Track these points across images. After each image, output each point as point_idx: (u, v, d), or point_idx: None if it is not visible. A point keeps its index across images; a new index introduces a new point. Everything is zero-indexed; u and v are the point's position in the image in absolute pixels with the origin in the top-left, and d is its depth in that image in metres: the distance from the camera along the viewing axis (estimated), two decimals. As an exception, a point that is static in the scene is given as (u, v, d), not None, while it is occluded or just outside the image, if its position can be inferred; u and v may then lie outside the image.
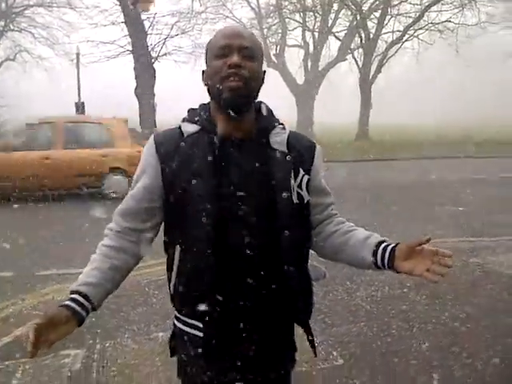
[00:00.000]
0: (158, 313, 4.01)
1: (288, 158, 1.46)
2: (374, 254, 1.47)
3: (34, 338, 1.22)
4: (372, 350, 3.40)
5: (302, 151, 1.51)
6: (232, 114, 1.41)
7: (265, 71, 1.50)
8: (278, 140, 1.47)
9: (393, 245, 1.47)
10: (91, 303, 1.38)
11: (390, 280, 4.74)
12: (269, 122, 1.50)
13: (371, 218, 7.39)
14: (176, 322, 1.56)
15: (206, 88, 1.48)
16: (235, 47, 1.39)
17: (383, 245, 1.48)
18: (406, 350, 3.39)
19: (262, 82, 1.48)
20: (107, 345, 3.50)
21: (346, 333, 3.66)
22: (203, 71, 1.50)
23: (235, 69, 1.37)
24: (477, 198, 9.34)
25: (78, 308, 1.34)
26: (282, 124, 1.52)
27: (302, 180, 1.48)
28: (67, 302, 1.35)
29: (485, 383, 2.99)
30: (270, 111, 1.54)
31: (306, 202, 1.50)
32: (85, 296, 1.37)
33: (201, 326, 1.46)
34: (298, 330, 1.61)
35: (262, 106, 1.54)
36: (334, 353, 3.35)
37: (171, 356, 1.63)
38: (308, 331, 1.60)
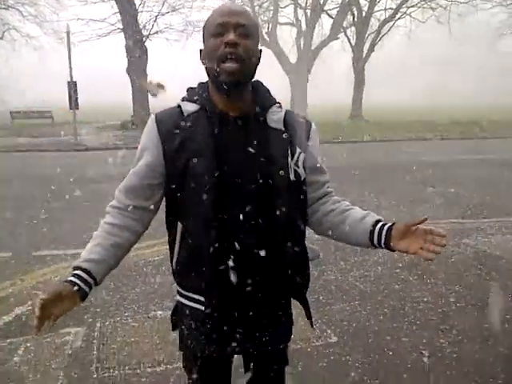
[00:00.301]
0: (157, 292, 4.09)
1: (285, 135, 1.49)
2: (371, 233, 1.52)
3: (39, 312, 1.27)
4: (365, 328, 3.50)
5: (298, 130, 1.54)
6: (229, 94, 1.44)
7: (261, 50, 1.52)
8: (274, 118, 1.51)
9: (389, 224, 1.51)
10: (94, 279, 1.42)
11: (382, 260, 4.84)
12: (266, 100, 1.53)
13: (362, 199, 7.49)
14: (178, 296, 1.62)
15: (203, 67, 1.49)
16: (231, 25, 1.40)
17: (379, 224, 1.52)
18: (398, 328, 3.49)
19: (259, 60, 1.50)
20: (107, 323, 3.57)
21: (339, 311, 3.76)
22: (200, 50, 1.51)
23: (232, 47, 1.39)
24: (468, 179, 9.45)
25: (81, 284, 1.38)
26: (278, 103, 1.56)
27: (298, 158, 1.51)
28: (71, 278, 1.38)
29: (473, 360, 3.09)
30: (266, 90, 1.57)
31: (302, 179, 1.53)
32: (88, 272, 1.41)
33: (202, 299, 1.52)
34: (293, 310, 1.69)
35: (259, 85, 1.56)
36: (328, 331, 3.45)
37: (173, 330, 1.69)
38: (305, 304, 1.66)
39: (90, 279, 1.41)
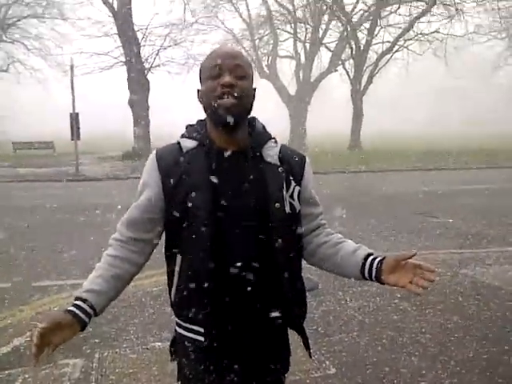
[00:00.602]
0: (155, 323, 4.09)
1: (280, 170, 1.56)
2: (363, 266, 1.58)
3: (38, 341, 1.31)
4: (363, 359, 3.49)
5: (292, 164, 1.61)
6: (227, 130, 1.51)
7: (255, 88, 1.59)
8: (270, 153, 1.58)
9: (380, 258, 1.56)
10: (94, 310, 1.47)
11: (381, 291, 4.84)
12: (262, 136, 1.61)
13: (361, 228, 7.52)
14: (177, 327, 1.65)
15: (201, 106, 1.57)
16: (227, 67, 1.48)
17: (371, 258, 1.58)
18: (397, 359, 3.48)
19: (254, 98, 1.58)
20: (105, 354, 3.57)
21: (338, 342, 3.75)
22: (198, 90, 1.59)
23: (228, 88, 1.47)
24: (466, 209, 9.47)
25: (81, 314, 1.43)
26: (273, 138, 1.63)
27: (293, 191, 1.58)
28: (71, 308, 1.43)
29: (472, 391, 3.09)
30: (262, 126, 1.64)
31: (297, 211, 1.60)
32: (88, 302, 1.46)
33: (202, 330, 1.54)
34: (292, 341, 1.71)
35: (255, 121, 1.64)
36: (327, 362, 3.44)
37: (171, 361, 1.71)
38: (303, 334, 1.68)
39: (89, 310, 1.46)
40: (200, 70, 1.58)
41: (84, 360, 3.48)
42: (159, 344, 3.67)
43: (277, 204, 1.52)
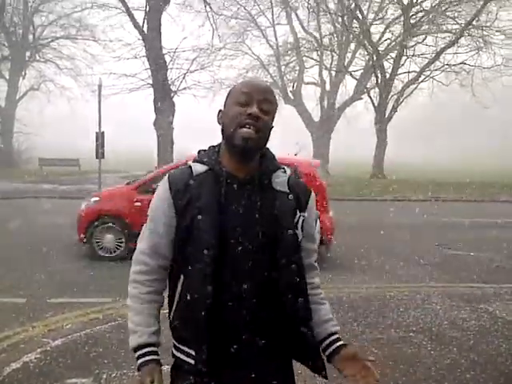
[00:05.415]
0: (164, 346, 4.04)
1: (290, 197, 1.58)
2: (323, 340, 1.62)
3: None
4: (374, 393, 3.39)
5: (299, 194, 1.63)
6: (239, 157, 1.55)
7: (272, 126, 1.62)
8: (279, 182, 1.60)
9: (339, 344, 1.61)
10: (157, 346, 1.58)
11: (396, 323, 4.74)
12: (272, 165, 1.63)
13: (380, 260, 7.40)
14: (173, 350, 1.64)
15: (219, 126, 1.61)
16: (256, 99, 1.53)
17: (334, 337, 1.62)
18: (409, 395, 3.39)
19: (269, 134, 1.60)
20: (113, 375, 3.54)
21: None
22: (220, 110, 1.63)
23: (253, 119, 1.50)
24: (488, 242, 9.26)
25: (158, 357, 1.56)
26: (283, 168, 1.66)
27: (298, 220, 1.59)
28: (152, 357, 1.56)
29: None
30: (273, 156, 1.67)
31: (299, 240, 1.60)
32: (154, 344, 1.58)
33: (193, 353, 1.53)
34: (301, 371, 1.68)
35: (267, 151, 1.67)
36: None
37: None
38: (318, 359, 1.62)
39: (156, 349, 1.58)
40: (228, 93, 1.62)
41: (92, 380, 3.46)
42: (167, 367, 3.61)
43: (289, 231, 1.54)
